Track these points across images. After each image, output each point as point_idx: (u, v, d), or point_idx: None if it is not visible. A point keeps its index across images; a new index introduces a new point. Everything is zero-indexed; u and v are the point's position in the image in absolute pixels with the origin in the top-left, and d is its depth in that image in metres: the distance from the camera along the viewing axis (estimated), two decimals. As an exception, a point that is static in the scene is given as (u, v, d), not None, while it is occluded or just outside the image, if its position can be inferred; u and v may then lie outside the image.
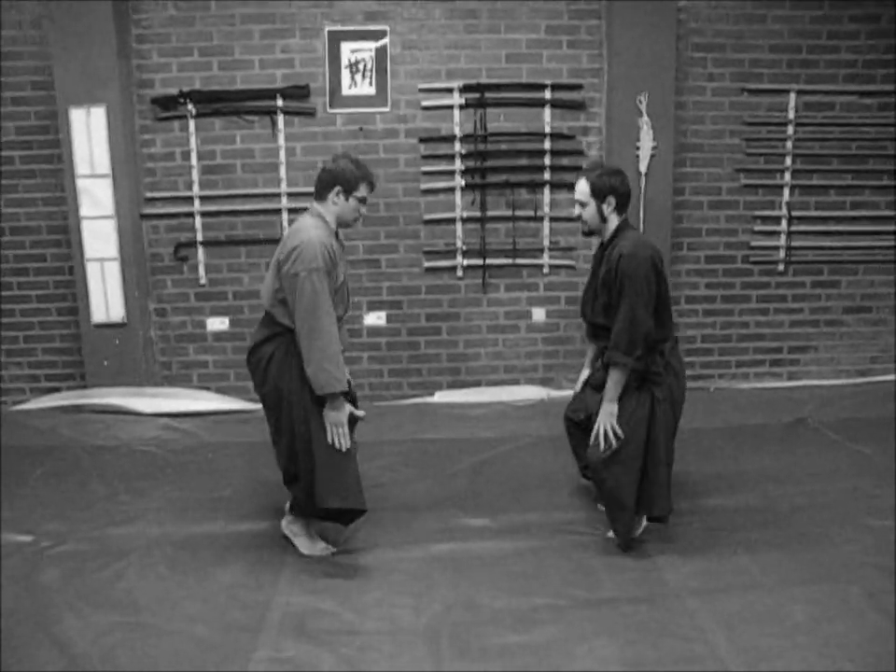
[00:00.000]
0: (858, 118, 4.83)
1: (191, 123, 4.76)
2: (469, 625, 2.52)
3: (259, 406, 3.07)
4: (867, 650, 2.31)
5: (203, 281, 4.95)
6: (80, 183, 4.62)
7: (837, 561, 2.85)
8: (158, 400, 4.81)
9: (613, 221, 2.98)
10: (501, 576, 2.83)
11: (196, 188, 4.84)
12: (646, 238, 2.99)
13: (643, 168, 4.69)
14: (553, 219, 4.94)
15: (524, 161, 4.86)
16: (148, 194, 4.85)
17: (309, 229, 2.77)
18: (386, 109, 4.80)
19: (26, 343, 5.02)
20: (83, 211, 4.65)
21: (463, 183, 4.85)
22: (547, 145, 4.84)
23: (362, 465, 2.98)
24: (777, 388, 5.08)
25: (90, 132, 4.56)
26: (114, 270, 4.74)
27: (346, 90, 4.77)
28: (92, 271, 4.73)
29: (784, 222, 4.97)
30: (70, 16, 4.41)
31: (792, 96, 4.79)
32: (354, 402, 2.98)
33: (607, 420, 2.88)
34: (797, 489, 3.51)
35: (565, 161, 4.88)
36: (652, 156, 4.68)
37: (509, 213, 4.90)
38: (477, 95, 4.76)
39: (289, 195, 4.86)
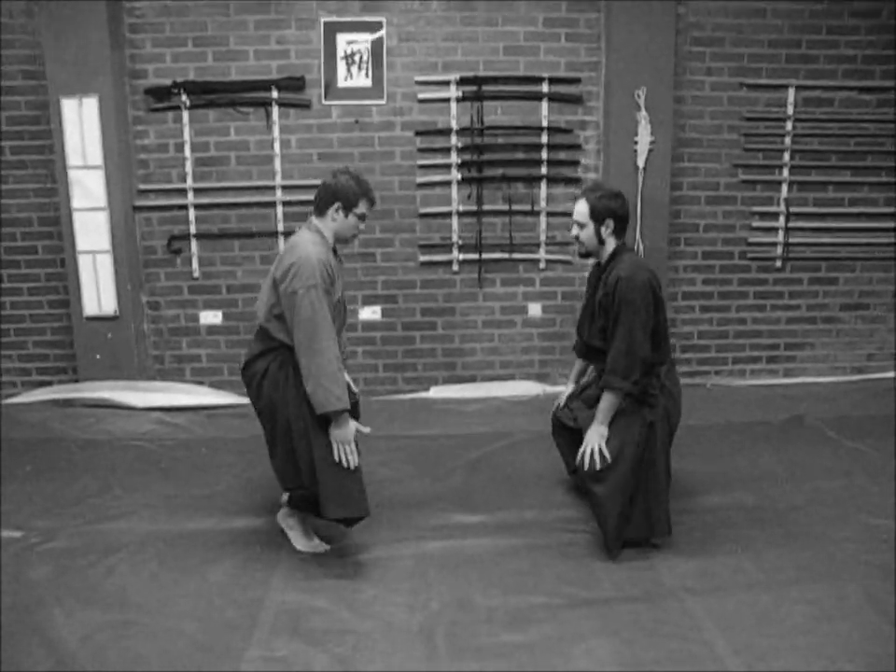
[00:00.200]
0: (857, 114, 4.81)
1: (185, 115, 4.72)
2: (465, 624, 2.49)
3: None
4: (866, 650, 2.28)
5: (196, 274, 4.91)
6: (72, 174, 4.57)
7: (835, 560, 2.83)
8: (150, 395, 4.77)
9: (611, 244, 2.97)
10: (497, 574, 2.80)
11: (190, 180, 4.80)
12: (643, 261, 3.00)
13: (641, 163, 4.66)
14: (549, 214, 4.91)
15: (520, 155, 4.83)
16: (141, 186, 4.80)
17: (306, 244, 2.72)
18: (382, 102, 4.75)
19: (17, 336, 4.98)
20: (75, 203, 4.60)
21: (459, 177, 4.81)
22: (544, 139, 4.80)
23: (357, 461, 2.94)
24: (774, 385, 5.07)
25: (82, 122, 4.50)
26: (106, 262, 4.69)
27: (342, 81, 4.72)
28: (84, 263, 4.68)
29: (782, 218, 4.95)
30: (62, 4, 4.36)
31: (791, 91, 4.77)
32: (356, 408, 2.96)
33: (595, 441, 2.85)
34: (794, 487, 3.48)
35: (562, 156, 4.85)
36: (650, 151, 4.65)
37: (505, 207, 4.86)
38: (474, 88, 4.72)
39: (284, 188, 4.81)
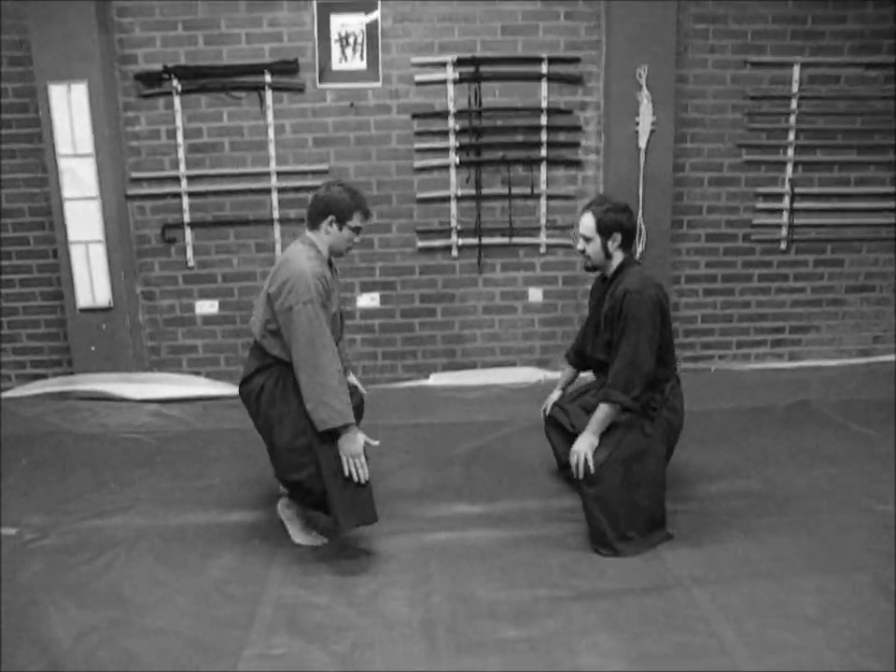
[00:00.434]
0: (864, 91, 4.71)
1: (177, 100, 4.62)
2: (466, 619, 2.43)
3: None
4: (879, 642, 2.22)
5: (191, 263, 4.83)
6: (62, 163, 4.48)
7: (844, 548, 2.76)
8: (146, 386, 4.71)
9: (618, 258, 2.92)
10: (499, 566, 2.74)
11: (182, 167, 4.71)
12: (651, 274, 2.92)
13: (642, 144, 4.57)
14: (549, 197, 4.82)
15: (520, 138, 4.74)
16: (133, 174, 4.71)
17: (301, 259, 2.67)
18: (378, 84, 4.66)
19: (11, 329, 4.91)
20: (66, 192, 4.52)
21: (457, 160, 4.73)
22: (544, 120, 4.70)
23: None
24: (779, 369, 4.99)
25: (71, 109, 4.41)
26: (99, 253, 4.61)
27: (336, 64, 4.62)
28: (77, 254, 4.60)
29: (786, 199, 4.86)
30: (48, -12, 4.25)
31: (796, 69, 4.66)
32: (361, 407, 2.92)
33: (583, 450, 2.78)
34: (801, 473, 3.42)
35: (562, 137, 4.76)
36: (652, 131, 4.56)
37: (504, 191, 4.78)
38: (471, 69, 4.62)
39: (279, 174, 4.73)
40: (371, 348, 5.01)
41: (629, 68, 4.50)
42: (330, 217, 2.74)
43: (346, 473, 2.62)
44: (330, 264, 2.86)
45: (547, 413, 3.37)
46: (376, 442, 2.73)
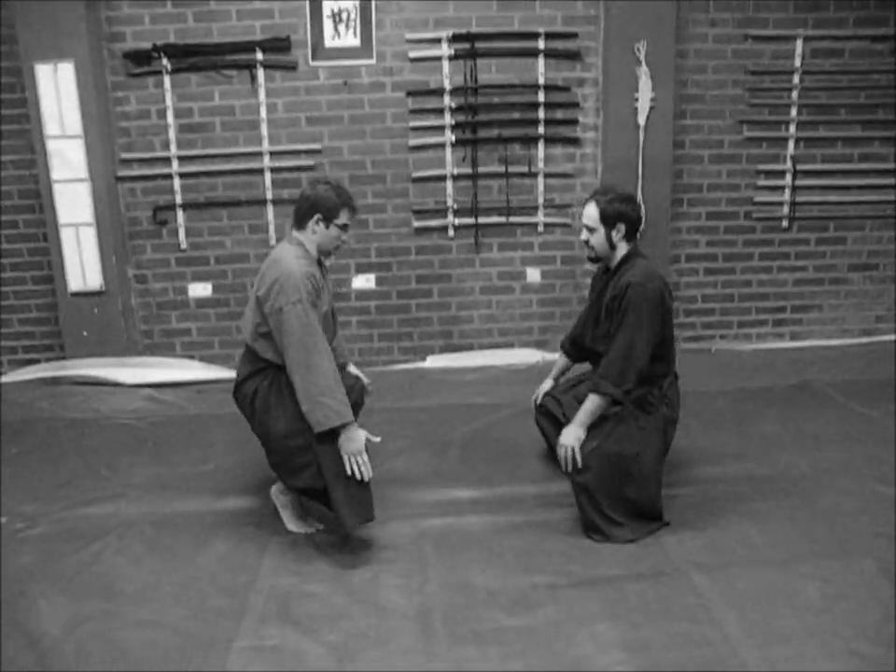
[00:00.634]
0: (868, 65, 4.60)
1: (166, 79, 4.53)
2: (463, 607, 2.38)
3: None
4: (885, 630, 2.17)
5: (183, 245, 4.76)
6: (50, 144, 4.40)
7: (849, 533, 2.71)
8: (140, 371, 4.65)
9: (622, 249, 2.85)
10: (496, 553, 2.69)
11: (173, 147, 4.62)
12: (655, 268, 2.85)
13: (641, 121, 4.48)
14: (547, 175, 4.74)
15: (516, 115, 4.65)
16: (123, 155, 4.63)
17: (289, 259, 2.61)
18: (372, 62, 4.56)
19: (2, 314, 4.85)
20: (55, 174, 4.44)
21: (453, 138, 4.64)
22: (541, 97, 4.61)
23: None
24: (780, 349, 4.94)
25: (58, 89, 4.32)
26: (89, 235, 4.54)
27: (329, 41, 4.52)
28: (67, 237, 4.53)
29: (788, 176, 4.78)
30: (32, -37, 4.15)
31: (799, 43, 4.56)
32: (360, 400, 2.87)
33: (570, 444, 2.72)
34: (804, 456, 3.36)
35: (560, 115, 4.67)
36: (651, 108, 4.47)
37: (501, 169, 4.69)
38: (467, 45, 4.52)
39: (272, 154, 4.65)
40: (367, 330, 4.94)
41: (628, 43, 4.40)
42: (317, 216, 2.69)
43: (349, 472, 2.56)
44: (320, 263, 2.81)
45: (538, 402, 3.32)
46: (378, 439, 2.67)
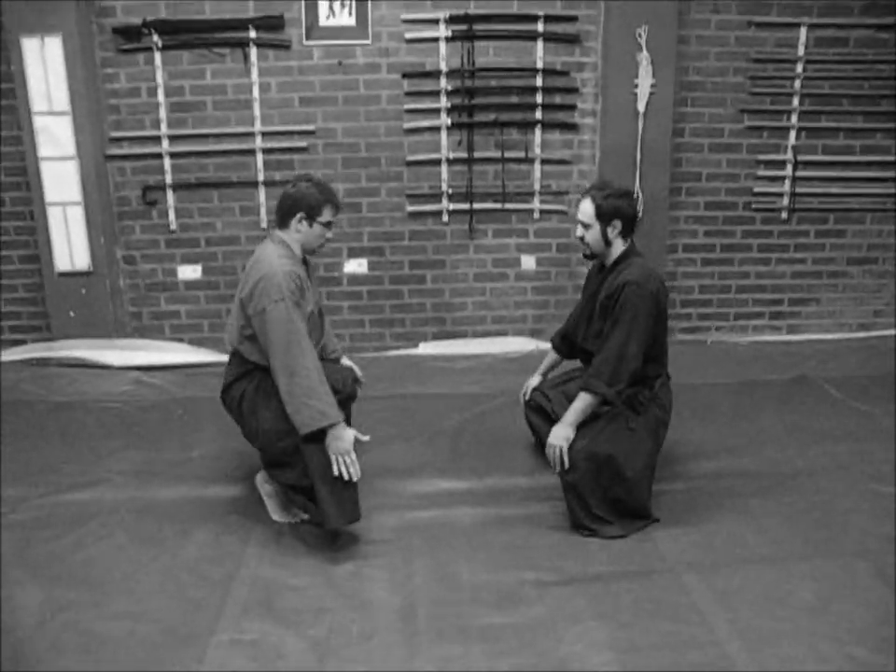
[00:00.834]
0: (873, 54, 4.51)
1: (157, 56, 4.42)
2: (449, 603, 2.34)
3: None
4: (878, 633, 2.13)
5: (173, 226, 4.67)
6: (37, 121, 4.30)
7: (843, 532, 2.67)
8: (128, 353, 4.58)
9: (618, 246, 2.80)
10: (484, 547, 2.64)
11: (164, 127, 4.53)
12: (652, 268, 2.78)
13: (641, 107, 4.40)
14: (544, 161, 4.66)
15: (514, 99, 4.55)
16: (113, 133, 4.53)
17: (271, 259, 2.57)
18: (367, 42, 4.46)
19: (-12, 293, 4.77)
20: (42, 151, 4.34)
21: (449, 122, 4.55)
22: (539, 81, 4.52)
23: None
24: (777, 342, 4.87)
25: (45, 64, 4.21)
26: (77, 215, 4.45)
27: (324, 20, 4.42)
28: (54, 216, 4.44)
29: (789, 167, 4.70)
30: (18, -67, 4.04)
31: (803, 30, 4.47)
32: (353, 394, 2.86)
33: (559, 445, 2.66)
34: (799, 452, 3.32)
35: (558, 100, 4.58)
36: (651, 94, 4.38)
37: (497, 154, 4.60)
38: (465, 27, 4.42)
39: (264, 135, 4.55)
40: (359, 315, 4.87)
41: (629, 28, 4.31)
42: (299, 215, 2.64)
43: (336, 472, 2.50)
44: (306, 262, 2.76)
45: (526, 397, 3.27)
46: (366, 438, 2.60)
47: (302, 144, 4.55)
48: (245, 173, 4.61)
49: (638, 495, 2.70)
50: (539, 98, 4.55)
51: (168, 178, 4.60)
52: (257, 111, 4.52)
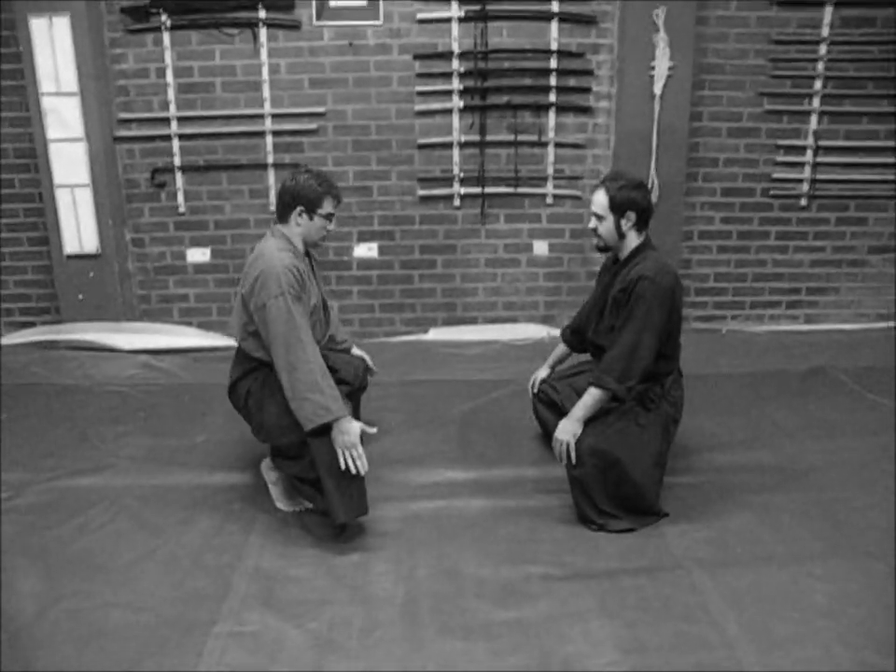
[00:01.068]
0: (901, 35, 4.38)
1: (166, 36, 4.36)
2: (452, 597, 2.30)
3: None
4: (894, 638, 2.06)
5: (182, 209, 4.63)
6: (46, 102, 4.25)
7: (859, 531, 2.59)
8: (136, 336, 4.56)
9: (632, 239, 2.73)
10: (490, 540, 2.60)
11: (173, 108, 4.47)
12: (667, 262, 2.71)
13: (658, 90, 4.29)
14: (558, 145, 4.57)
15: (528, 81, 4.46)
16: (121, 115, 4.48)
17: (271, 253, 2.53)
18: (379, 22, 4.38)
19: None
20: (50, 133, 4.30)
21: (461, 104, 4.46)
22: (553, 63, 4.42)
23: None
24: (794, 332, 4.77)
25: (53, 44, 4.16)
26: (86, 197, 4.41)
27: (334, 0, 4.34)
28: (63, 198, 4.40)
29: (810, 152, 4.58)
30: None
31: (828, 10, 4.33)
32: (363, 382, 2.86)
33: (566, 440, 2.60)
34: (815, 446, 3.25)
35: (572, 82, 4.48)
36: (669, 77, 4.27)
37: (510, 137, 4.52)
38: (478, 7, 4.32)
39: (273, 116, 4.49)
40: (369, 300, 4.82)
41: (646, 8, 4.19)
42: (299, 208, 2.60)
43: (343, 466, 2.45)
44: (308, 255, 2.72)
45: (535, 390, 3.22)
46: (373, 430, 2.57)
47: (312, 126, 4.49)
48: (254, 155, 4.56)
49: (645, 493, 2.64)
50: (553, 80, 4.45)
51: (177, 160, 4.55)
52: (266, 93, 4.46)
